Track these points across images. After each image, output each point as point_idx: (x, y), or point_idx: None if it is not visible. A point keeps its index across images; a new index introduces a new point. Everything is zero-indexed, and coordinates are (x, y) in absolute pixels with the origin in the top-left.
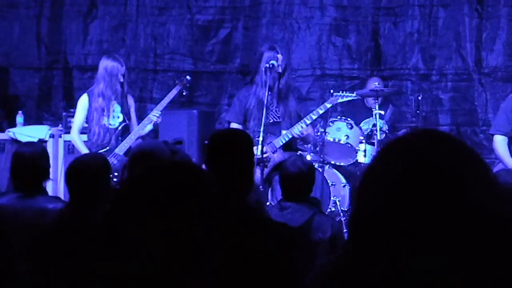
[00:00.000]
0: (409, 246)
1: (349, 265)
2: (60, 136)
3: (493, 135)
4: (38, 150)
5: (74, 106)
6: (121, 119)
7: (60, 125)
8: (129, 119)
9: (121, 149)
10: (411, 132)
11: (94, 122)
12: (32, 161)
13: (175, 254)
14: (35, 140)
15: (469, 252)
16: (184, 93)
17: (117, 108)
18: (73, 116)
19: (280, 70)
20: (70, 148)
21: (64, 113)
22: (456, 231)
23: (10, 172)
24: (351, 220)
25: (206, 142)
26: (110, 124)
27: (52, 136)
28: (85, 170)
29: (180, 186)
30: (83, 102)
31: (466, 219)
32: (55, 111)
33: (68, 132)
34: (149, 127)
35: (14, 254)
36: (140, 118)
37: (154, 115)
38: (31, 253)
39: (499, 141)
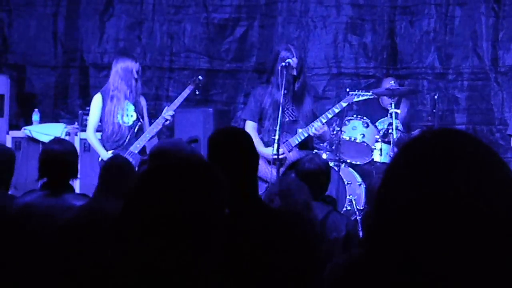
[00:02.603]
0: (427, 251)
1: (364, 265)
2: (76, 134)
3: (510, 135)
4: (68, 147)
5: (90, 104)
6: (134, 117)
7: (76, 123)
8: (142, 118)
9: (135, 148)
10: (429, 133)
11: (109, 120)
12: (62, 158)
13: (185, 251)
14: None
15: (490, 258)
16: (197, 93)
17: (130, 107)
18: (88, 115)
19: (295, 73)
20: (86, 146)
21: (80, 111)
22: (478, 237)
23: (38, 169)
24: (368, 221)
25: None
26: (124, 122)
27: (68, 134)
28: (122, 166)
29: (191, 184)
30: (97, 101)
31: (489, 224)
32: (71, 109)
33: (84, 130)
34: (161, 125)
35: (43, 253)
36: (156, 117)
37: (168, 114)
38: (55, 250)
39: None
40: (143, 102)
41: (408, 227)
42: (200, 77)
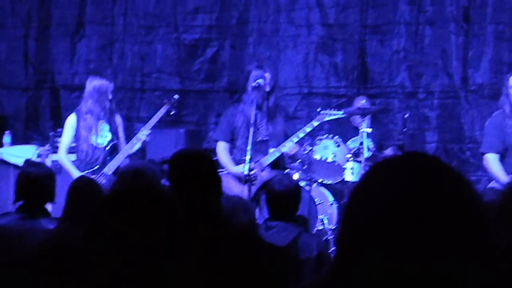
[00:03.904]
0: (396, 266)
1: (335, 284)
2: (47, 156)
3: (483, 153)
4: (46, 171)
5: (61, 125)
6: (109, 138)
7: (48, 145)
8: (118, 138)
9: (109, 169)
10: (399, 155)
11: (82, 141)
12: (39, 181)
13: (144, 273)
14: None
15: (455, 272)
16: (172, 113)
17: (105, 127)
18: (60, 136)
19: (268, 89)
20: (57, 168)
21: (51, 133)
22: (443, 252)
23: (15, 191)
24: (338, 239)
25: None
26: (98, 143)
27: (39, 156)
28: (87, 188)
29: (142, 209)
30: (71, 121)
31: (452, 239)
32: (42, 131)
33: (55, 152)
34: (138, 145)
35: (18, 277)
36: (128, 138)
37: (144, 134)
38: (28, 275)
39: (492, 160)
40: (118, 120)
41: (377, 243)
42: (175, 97)
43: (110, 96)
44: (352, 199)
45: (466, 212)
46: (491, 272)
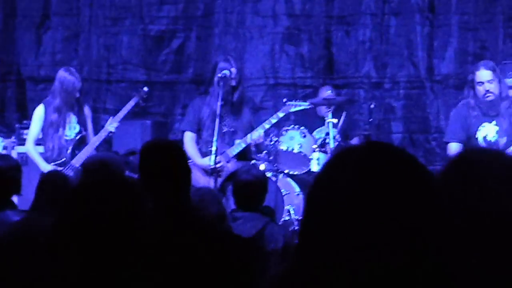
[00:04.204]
0: (357, 254)
1: (298, 275)
2: (13, 148)
3: (447, 143)
4: (12, 163)
5: (27, 117)
6: (77, 129)
7: (13, 137)
8: (86, 129)
9: (77, 161)
10: (358, 145)
11: (50, 133)
12: (5, 174)
13: (113, 263)
14: None
15: (414, 255)
16: (141, 105)
17: (73, 119)
18: (26, 128)
19: (234, 83)
20: (23, 160)
21: (17, 125)
22: (399, 235)
23: None
24: (301, 225)
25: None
26: (66, 135)
27: (5, 148)
28: (57, 181)
29: (110, 204)
30: (39, 113)
31: (408, 223)
32: (8, 122)
33: (21, 144)
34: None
35: None
36: (95, 130)
37: (112, 126)
38: None
39: (455, 149)
40: (87, 111)
41: (337, 231)
42: (145, 89)
43: (77, 94)
44: (315, 187)
45: (421, 196)
46: (445, 246)
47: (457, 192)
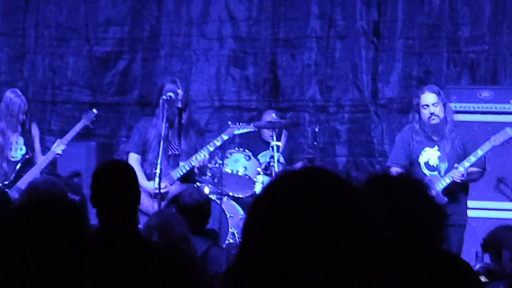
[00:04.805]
0: (292, 270)
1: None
2: None
3: (389, 167)
4: None
5: None
6: (23, 151)
7: None
8: (33, 150)
9: (23, 183)
10: (296, 169)
11: None
12: None
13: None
14: None
15: (349, 266)
16: (90, 127)
17: (20, 140)
18: None
19: (180, 105)
20: None
21: None
22: (333, 254)
23: None
24: (240, 244)
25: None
26: (12, 157)
27: None
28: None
29: (50, 225)
30: None
31: (340, 242)
32: None
33: None
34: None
35: None
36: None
37: (60, 148)
38: None
39: None
40: (34, 131)
41: (266, 250)
42: (94, 111)
43: (23, 117)
44: (253, 207)
45: (352, 216)
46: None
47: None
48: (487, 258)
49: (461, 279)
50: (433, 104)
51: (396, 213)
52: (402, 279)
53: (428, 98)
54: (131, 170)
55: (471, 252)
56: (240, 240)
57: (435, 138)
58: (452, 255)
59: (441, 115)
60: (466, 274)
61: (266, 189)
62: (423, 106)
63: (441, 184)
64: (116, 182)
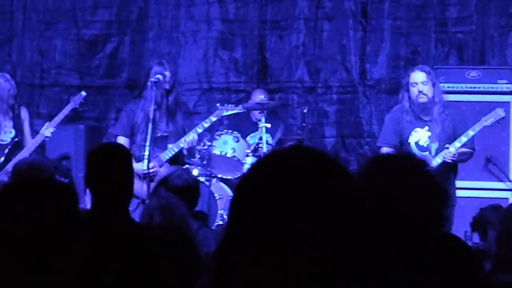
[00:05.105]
0: (280, 248)
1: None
2: None
3: (380, 147)
4: None
5: None
6: (12, 134)
7: None
8: (22, 134)
9: (12, 166)
10: (283, 148)
11: None
12: None
13: (40, 267)
14: None
15: (337, 251)
16: (78, 109)
17: (9, 123)
18: None
19: (167, 87)
20: None
21: None
22: (320, 231)
23: None
24: (226, 225)
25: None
26: (2, 140)
27: None
28: None
29: (38, 202)
30: None
31: (329, 222)
32: None
33: None
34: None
35: None
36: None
37: (48, 131)
38: None
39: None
40: (24, 114)
41: (254, 229)
42: (82, 93)
43: (12, 100)
44: (240, 187)
45: (339, 195)
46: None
47: (370, 188)
48: (476, 238)
49: (465, 264)
50: (422, 83)
51: (402, 193)
52: (402, 264)
53: (418, 76)
54: (128, 153)
55: (460, 232)
56: (227, 219)
57: (425, 119)
58: (455, 238)
59: (430, 94)
60: (471, 259)
61: (253, 168)
62: (412, 84)
63: (432, 164)
64: (113, 165)
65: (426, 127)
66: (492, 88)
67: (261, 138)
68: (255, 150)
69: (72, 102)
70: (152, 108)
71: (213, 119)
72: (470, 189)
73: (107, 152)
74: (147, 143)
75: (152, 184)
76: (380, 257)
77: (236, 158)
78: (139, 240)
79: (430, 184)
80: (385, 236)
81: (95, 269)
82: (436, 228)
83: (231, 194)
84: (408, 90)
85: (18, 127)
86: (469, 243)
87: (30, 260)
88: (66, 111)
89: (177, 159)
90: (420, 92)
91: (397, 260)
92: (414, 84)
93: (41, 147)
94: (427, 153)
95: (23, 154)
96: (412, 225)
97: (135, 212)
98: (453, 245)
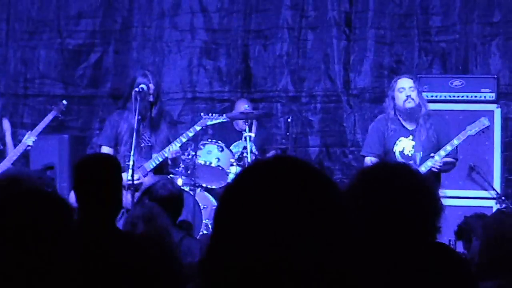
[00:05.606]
0: (262, 257)
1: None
2: None
3: (364, 156)
4: None
5: None
6: None
7: None
8: (4, 144)
9: None
10: (267, 158)
11: None
12: None
13: (30, 276)
14: None
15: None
16: (60, 118)
17: None
18: None
19: (151, 99)
20: None
21: None
22: (303, 241)
23: None
24: (211, 235)
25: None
26: None
27: None
28: None
29: (26, 216)
30: None
31: (311, 232)
32: None
33: None
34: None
35: None
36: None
37: (30, 140)
38: None
39: (371, 163)
40: (6, 125)
41: (237, 240)
42: (64, 102)
43: None
44: (224, 197)
45: (323, 204)
46: (349, 256)
47: (360, 198)
48: (460, 247)
49: (457, 273)
50: (409, 88)
51: (395, 203)
52: (394, 272)
53: (405, 82)
54: (118, 164)
55: (444, 240)
56: (211, 229)
57: (409, 128)
58: (447, 248)
59: (417, 100)
60: (463, 268)
61: (237, 178)
62: (399, 89)
63: None
64: (103, 176)
65: (411, 136)
66: (476, 97)
67: (245, 147)
68: (239, 159)
69: (53, 111)
70: (136, 118)
71: (197, 128)
72: (454, 198)
73: (98, 163)
74: (132, 153)
75: (137, 194)
76: (367, 266)
77: (220, 168)
78: (125, 251)
79: (426, 194)
80: (378, 245)
81: (81, 279)
82: (429, 237)
83: (216, 204)
84: (394, 98)
85: (0, 136)
86: None
87: (25, 269)
88: (47, 119)
89: (161, 169)
90: (408, 96)
91: (389, 269)
92: (402, 90)
93: (25, 157)
94: (411, 162)
95: (5, 163)
96: (406, 235)
97: (119, 221)
98: (445, 254)
